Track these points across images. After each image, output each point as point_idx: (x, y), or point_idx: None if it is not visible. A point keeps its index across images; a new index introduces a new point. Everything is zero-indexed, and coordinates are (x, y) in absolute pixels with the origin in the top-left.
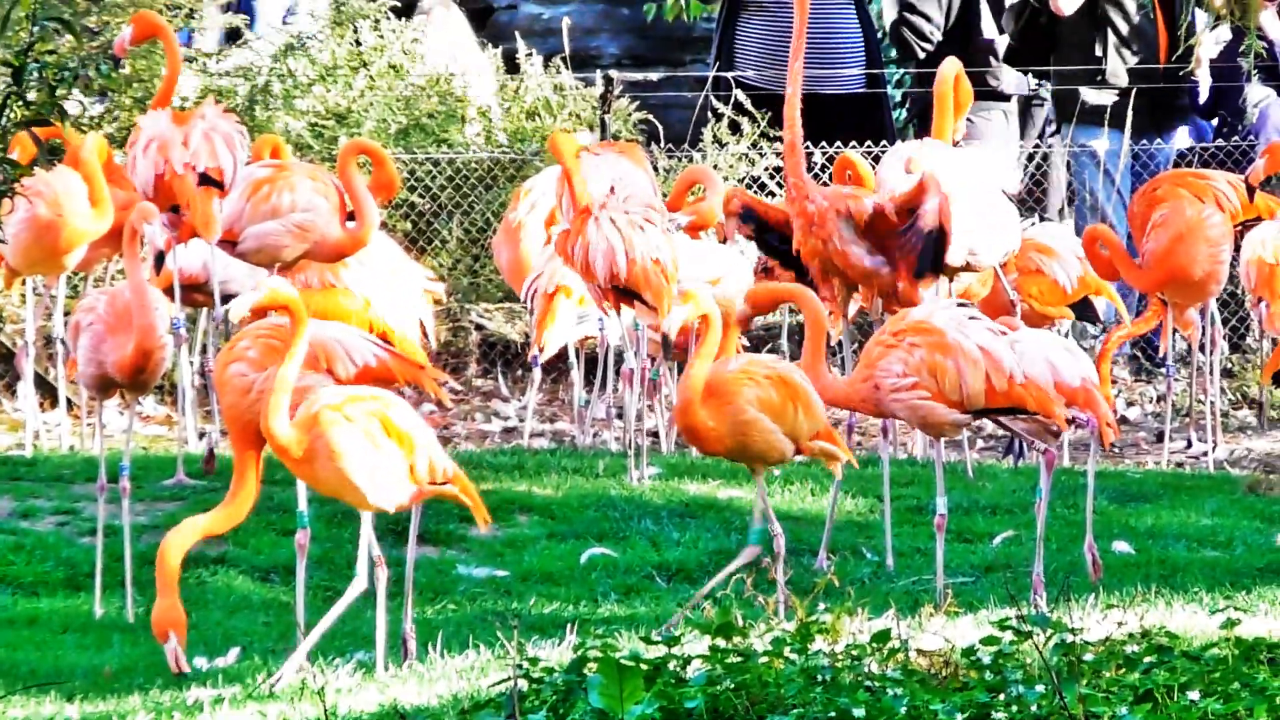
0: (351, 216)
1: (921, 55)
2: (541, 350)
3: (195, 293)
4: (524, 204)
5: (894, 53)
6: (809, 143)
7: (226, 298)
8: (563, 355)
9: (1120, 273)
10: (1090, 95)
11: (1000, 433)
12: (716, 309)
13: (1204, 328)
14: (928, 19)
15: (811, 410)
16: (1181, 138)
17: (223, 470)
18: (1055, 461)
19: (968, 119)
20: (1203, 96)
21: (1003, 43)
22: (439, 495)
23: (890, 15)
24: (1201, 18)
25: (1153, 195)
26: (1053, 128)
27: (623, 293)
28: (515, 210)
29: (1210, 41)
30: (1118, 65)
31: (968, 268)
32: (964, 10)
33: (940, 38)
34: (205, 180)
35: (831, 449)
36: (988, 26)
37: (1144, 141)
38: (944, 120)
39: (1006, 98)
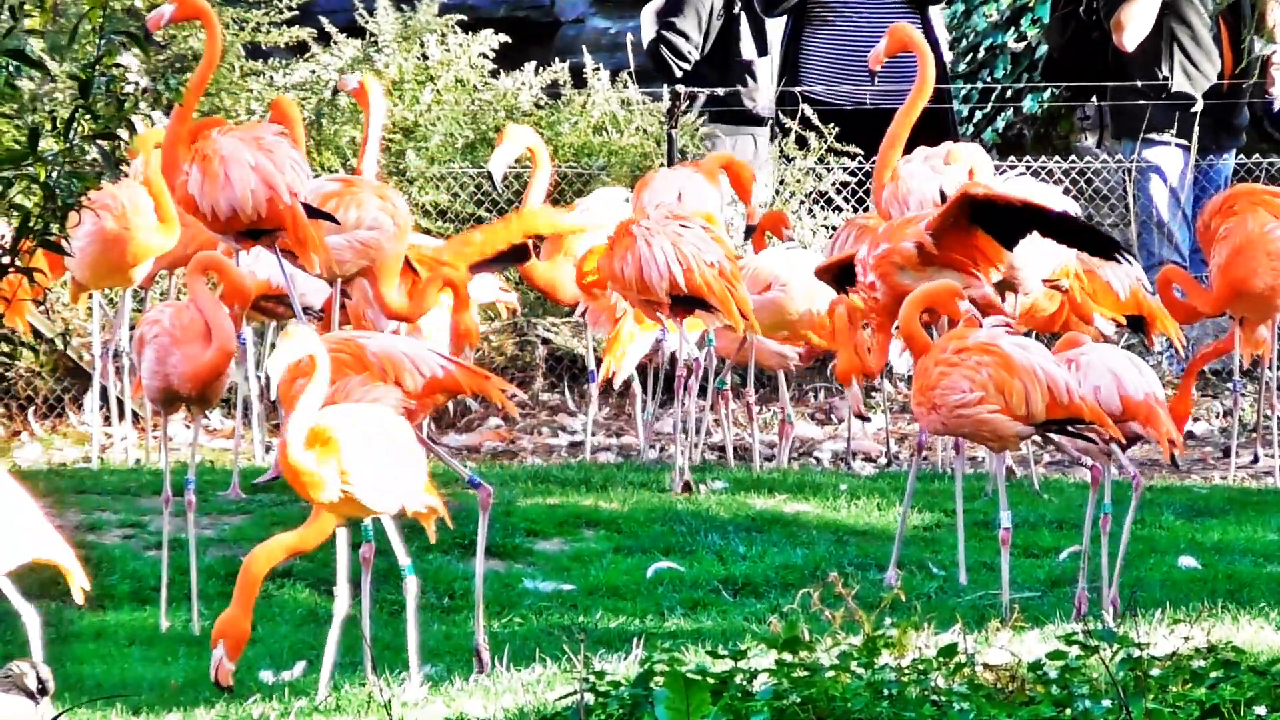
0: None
1: (678, 74)
2: (614, 376)
3: (271, 304)
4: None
5: (961, 67)
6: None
7: (303, 310)
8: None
9: (1196, 305)
10: (1156, 109)
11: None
12: None
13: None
14: (686, 38)
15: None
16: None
17: (285, 484)
18: (1101, 477)
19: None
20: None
21: (763, 65)
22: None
23: (649, 34)
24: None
25: (1228, 210)
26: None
27: (684, 302)
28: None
29: None
30: (1184, 83)
31: (1005, 283)
32: (724, 31)
33: (698, 57)
34: (314, 213)
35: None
36: (747, 48)
37: (1210, 159)
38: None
39: (762, 121)
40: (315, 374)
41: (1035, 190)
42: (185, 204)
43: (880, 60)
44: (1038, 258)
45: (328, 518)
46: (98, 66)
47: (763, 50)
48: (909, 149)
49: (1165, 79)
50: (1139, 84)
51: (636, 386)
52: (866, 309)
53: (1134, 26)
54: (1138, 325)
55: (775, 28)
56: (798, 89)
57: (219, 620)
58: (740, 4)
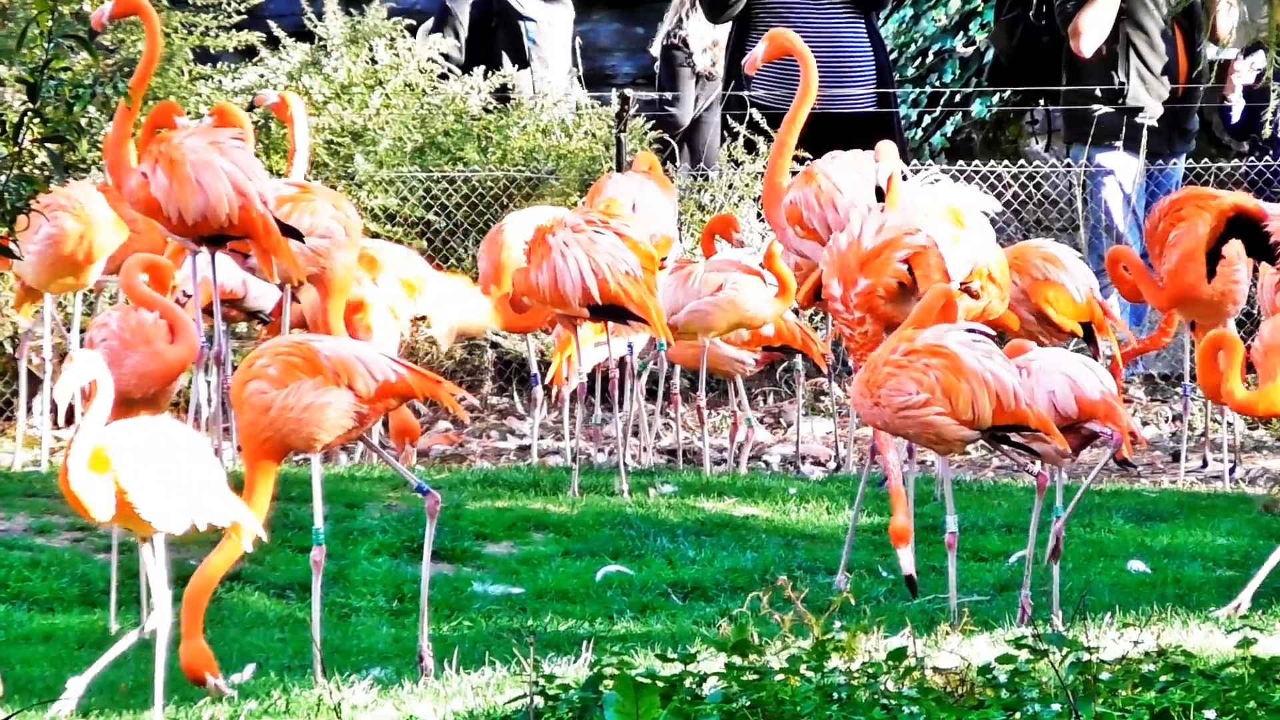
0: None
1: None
2: (566, 380)
3: (229, 309)
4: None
5: (909, 71)
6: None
7: (254, 314)
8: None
9: (1142, 292)
10: (1108, 115)
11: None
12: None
13: None
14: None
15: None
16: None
17: (234, 486)
18: (1048, 483)
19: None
20: (1235, 118)
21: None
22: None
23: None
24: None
25: (1176, 214)
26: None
27: (603, 312)
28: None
29: (1246, 66)
30: (1139, 89)
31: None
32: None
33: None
34: (281, 227)
35: None
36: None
37: (1161, 163)
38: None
39: None
40: (97, 396)
41: (956, 193)
42: (143, 205)
43: (756, 66)
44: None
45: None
46: (46, 70)
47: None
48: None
49: (1121, 84)
50: (1096, 90)
51: (567, 391)
52: (851, 342)
53: (1091, 32)
54: (1087, 333)
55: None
56: (745, 93)
57: (184, 659)
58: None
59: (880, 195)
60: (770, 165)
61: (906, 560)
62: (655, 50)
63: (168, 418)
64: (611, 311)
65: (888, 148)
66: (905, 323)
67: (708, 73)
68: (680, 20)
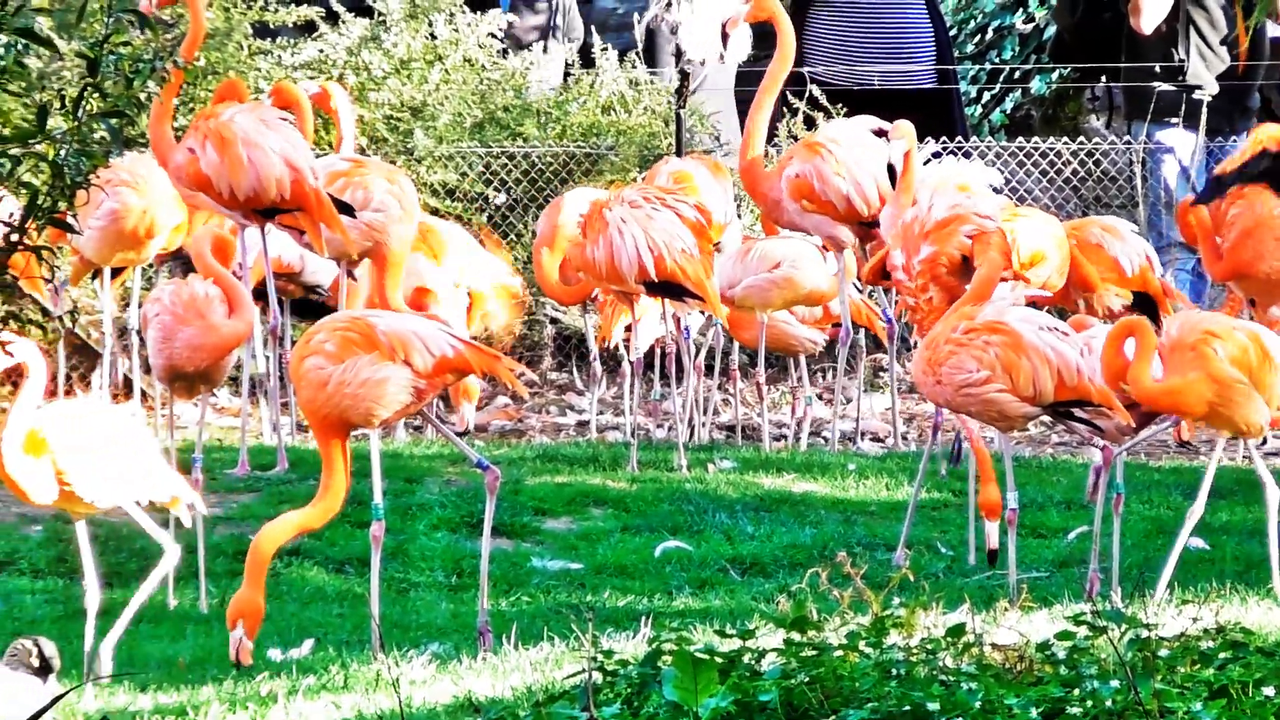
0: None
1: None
2: (617, 347)
3: (286, 283)
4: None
5: (969, 48)
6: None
7: (311, 288)
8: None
9: (1202, 258)
10: (1167, 92)
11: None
12: None
13: None
14: None
15: None
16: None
17: (295, 462)
18: (1113, 458)
19: None
20: None
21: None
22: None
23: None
24: None
25: (1237, 192)
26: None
27: (659, 289)
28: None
29: None
30: (1199, 66)
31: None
32: None
33: None
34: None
35: None
36: None
37: (1221, 140)
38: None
39: None
40: (28, 380)
41: (963, 169)
42: (192, 180)
43: (737, 23)
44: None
45: (334, 496)
46: (106, 45)
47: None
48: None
49: (1181, 61)
50: (1156, 66)
51: (626, 366)
52: (916, 312)
53: (1152, 9)
54: (1146, 305)
55: None
56: (804, 69)
57: (234, 601)
58: None
59: (892, 174)
60: (747, 139)
61: (993, 535)
62: (639, 32)
63: (104, 398)
64: (667, 288)
65: (905, 127)
66: (963, 299)
67: (700, 59)
68: (669, 5)
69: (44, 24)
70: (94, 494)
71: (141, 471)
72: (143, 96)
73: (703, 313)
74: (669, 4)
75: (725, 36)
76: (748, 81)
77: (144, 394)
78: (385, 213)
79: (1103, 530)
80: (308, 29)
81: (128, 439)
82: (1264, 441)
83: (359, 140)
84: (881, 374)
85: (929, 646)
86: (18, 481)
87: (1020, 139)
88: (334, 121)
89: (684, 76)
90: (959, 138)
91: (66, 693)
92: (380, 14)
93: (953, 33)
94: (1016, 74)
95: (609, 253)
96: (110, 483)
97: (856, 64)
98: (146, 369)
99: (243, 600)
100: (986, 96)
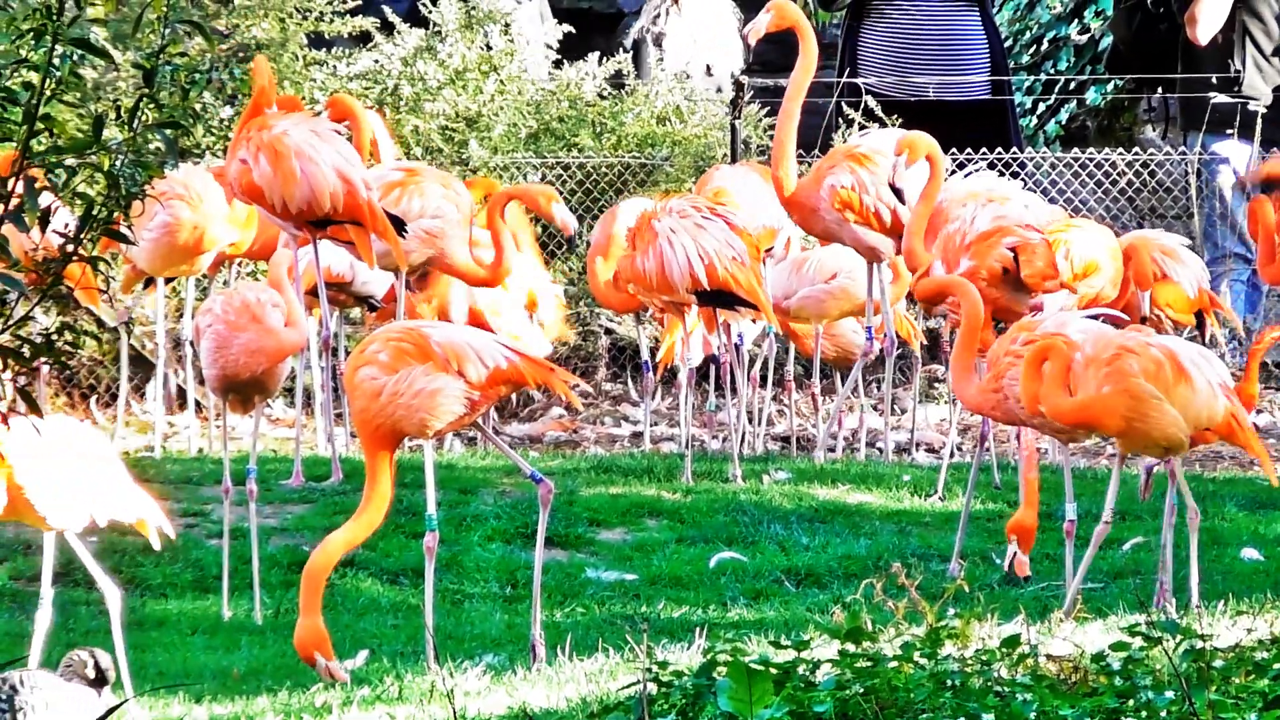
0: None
1: None
2: (671, 362)
3: (338, 293)
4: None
5: (1024, 59)
6: None
7: (363, 299)
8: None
9: (1258, 250)
10: (1223, 103)
11: None
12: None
13: None
14: None
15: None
16: None
17: (350, 473)
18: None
19: None
20: None
21: None
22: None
23: None
24: None
25: None
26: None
27: (711, 299)
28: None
29: None
30: (1255, 77)
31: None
32: None
33: None
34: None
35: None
36: None
37: (1274, 150)
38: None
39: None
40: None
41: (996, 184)
42: (245, 191)
43: (759, 35)
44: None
45: (375, 508)
46: (162, 55)
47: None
48: (973, 144)
49: (1236, 72)
50: (1212, 77)
51: (681, 377)
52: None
53: (1208, 20)
54: (1198, 320)
55: None
56: (859, 80)
57: (298, 638)
58: None
59: (898, 194)
60: (777, 148)
61: (1015, 557)
62: (627, 43)
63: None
64: (719, 297)
65: (922, 141)
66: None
67: (685, 73)
68: (656, 17)
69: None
70: (50, 509)
71: (104, 494)
72: (198, 107)
73: (754, 321)
74: (655, 16)
75: (748, 47)
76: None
77: (199, 405)
78: (443, 219)
79: (1171, 539)
80: (363, 40)
81: (94, 460)
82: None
83: (413, 151)
84: (936, 384)
85: (984, 658)
86: None
87: (1075, 150)
88: (354, 130)
89: (739, 87)
90: (1014, 149)
91: (121, 704)
92: (435, 24)
93: (1008, 43)
94: (1072, 85)
95: (659, 263)
96: (70, 503)
97: (911, 75)
98: (201, 380)
99: (306, 631)
100: (1042, 107)
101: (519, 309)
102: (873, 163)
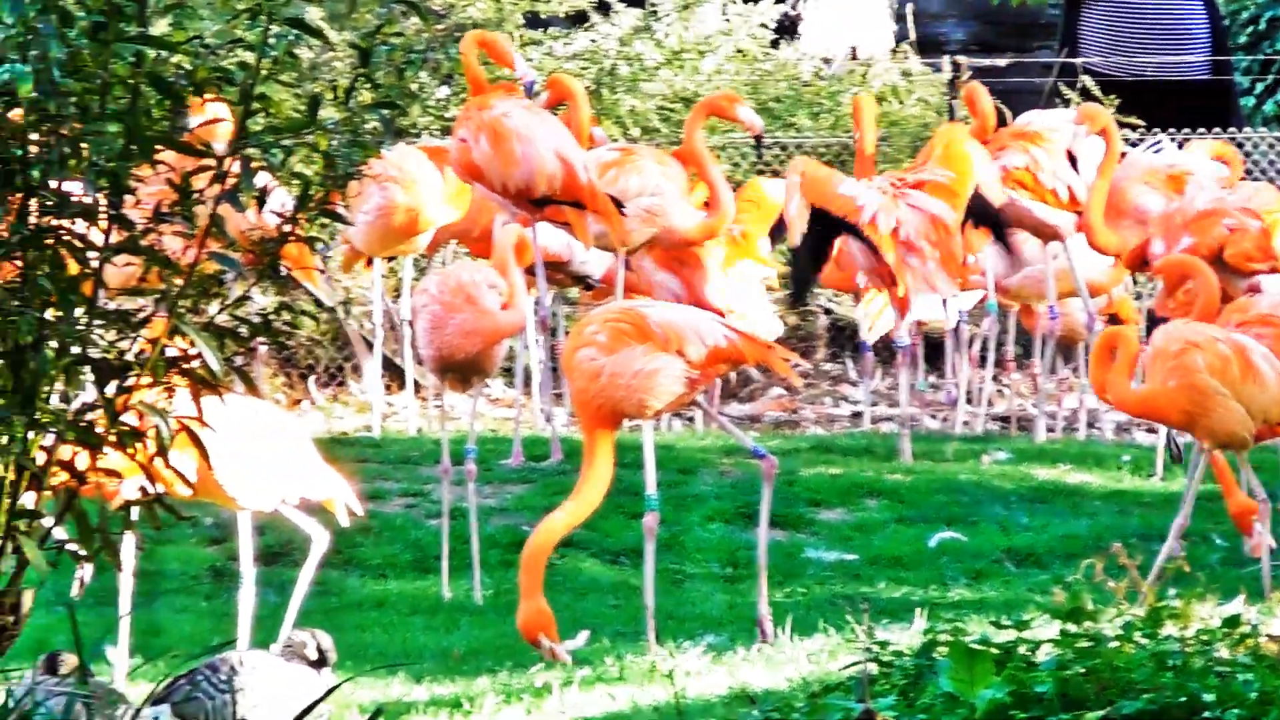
0: (707, 205)
1: None
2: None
3: (555, 273)
4: None
5: (1241, 39)
6: (1157, 129)
7: (580, 279)
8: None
9: None
10: None
11: None
12: None
13: None
14: None
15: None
16: None
17: (569, 452)
18: None
19: None
20: None
21: None
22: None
23: None
24: None
25: None
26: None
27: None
28: None
29: None
30: None
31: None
32: None
33: None
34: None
35: None
36: None
37: None
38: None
39: None
40: None
41: (1177, 158)
42: (465, 170)
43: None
44: None
45: (593, 488)
46: (378, 35)
47: None
48: (1191, 123)
49: None
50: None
51: (900, 357)
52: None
53: None
54: None
55: None
56: (1078, 60)
57: (521, 621)
58: None
59: (1073, 160)
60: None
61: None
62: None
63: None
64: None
65: (1097, 113)
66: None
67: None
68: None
69: (315, 14)
70: (240, 490)
71: (289, 476)
72: (414, 87)
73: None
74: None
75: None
76: (1016, 72)
77: (417, 385)
78: (663, 196)
79: None
80: (579, 19)
81: (281, 435)
82: None
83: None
84: None
85: (1204, 638)
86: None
87: None
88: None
89: (956, 67)
90: (1231, 129)
91: (341, 683)
92: (652, 4)
93: (1225, 23)
94: None
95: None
96: (260, 485)
97: (1131, 55)
98: (419, 360)
99: (530, 612)
100: (1259, 87)
101: (753, 285)
102: (1047, 140)
